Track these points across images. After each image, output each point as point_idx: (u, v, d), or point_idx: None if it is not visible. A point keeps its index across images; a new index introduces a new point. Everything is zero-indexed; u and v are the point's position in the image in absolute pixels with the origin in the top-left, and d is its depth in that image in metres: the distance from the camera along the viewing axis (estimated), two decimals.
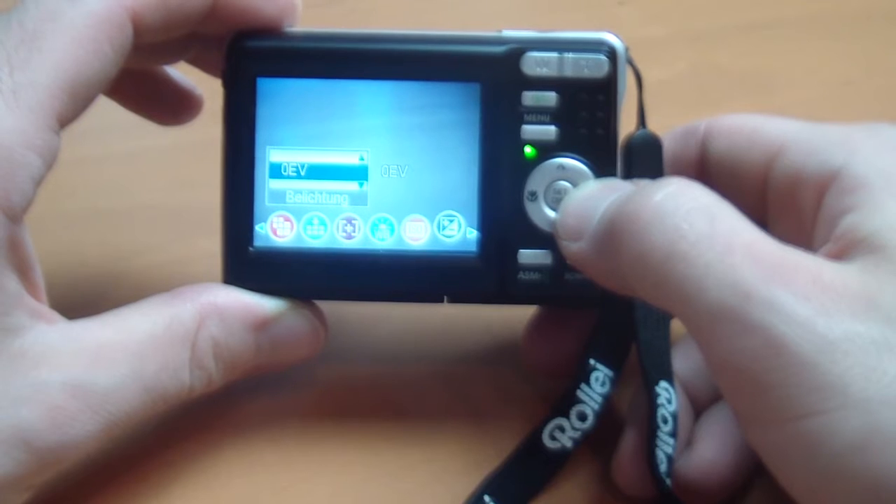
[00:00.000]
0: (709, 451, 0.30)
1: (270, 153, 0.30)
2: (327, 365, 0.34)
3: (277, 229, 0.31)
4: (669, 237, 0.24)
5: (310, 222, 0.31)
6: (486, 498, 0.30)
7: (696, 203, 0.24)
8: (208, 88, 0.33)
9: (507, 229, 0.31)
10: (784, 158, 0.29)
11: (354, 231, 0.31)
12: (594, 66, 0.30)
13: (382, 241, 0.31)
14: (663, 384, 0.30)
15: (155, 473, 0.31)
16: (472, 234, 0.31)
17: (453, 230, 0.31)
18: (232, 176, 0.30)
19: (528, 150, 0.30)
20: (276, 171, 0.30)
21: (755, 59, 0.50)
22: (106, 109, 0.31)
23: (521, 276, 0.31)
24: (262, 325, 0.30)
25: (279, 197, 0.31)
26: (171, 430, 0.32)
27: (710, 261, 0.23)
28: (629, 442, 0.30)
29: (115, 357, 0.27)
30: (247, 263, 0.31)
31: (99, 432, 0.27)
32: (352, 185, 0.31)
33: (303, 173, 0.31)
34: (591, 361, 0.31)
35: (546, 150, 0.30)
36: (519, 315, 0.33)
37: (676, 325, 0.28)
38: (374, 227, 0.31)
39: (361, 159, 0.30)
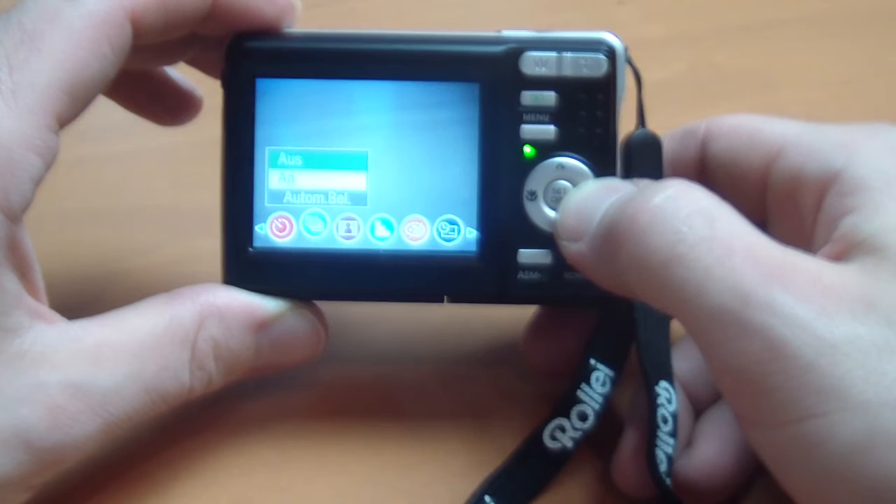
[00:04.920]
0: (709, 451, 0.30)
1: (270, 153, 0.30)
2: (327, 365, 0.34)
3: (277, 230, 0.31)
4: (669, 240, 0.24)
5: (310, 222, 0.31)
6: (487, 498, 0.30)
7: (696, 206, 0.24)
8: (208, 88, 0.33)
9: (507, 229, 0.31)
10: (784, 159, 0.29)
11: (354, 231, 0.31)
12: (593, 65, 0.30)
13: (382, 241, 0.31)
14: (663, 384, 0.30)
15: (155, 473, 0.31)
16: (472, 234, 0.31)
17: (453, 230, 0.31)
18: (231, 176, 0.30)
19: (527, 149, 0.30)
20: (276, 171, 0.30)
21: (755, 59, 0.50)
22: (105, 109, 0.31)
23: (521, 275, 0.31)
24: (262, 326, 0.30)
25: (279, 197, 0.31)
26: (171, 430, 0.32)
27: (709, 264, 0.23)
28: (629, 442, 0.30)
29: (114, 357, 0.27)
30: (246, 264, 0.31)
31: (99, 432, 0.27)
32: (351, 186, 0.31)
33: (302, 173, 0.31)
34: (592, 361, 0.31)
35: (545, 150, 0.30)
36: (519, 315, 0.33)
37: (676, 326, 0.28)
38: (374, 227, 0.31)
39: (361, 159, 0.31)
